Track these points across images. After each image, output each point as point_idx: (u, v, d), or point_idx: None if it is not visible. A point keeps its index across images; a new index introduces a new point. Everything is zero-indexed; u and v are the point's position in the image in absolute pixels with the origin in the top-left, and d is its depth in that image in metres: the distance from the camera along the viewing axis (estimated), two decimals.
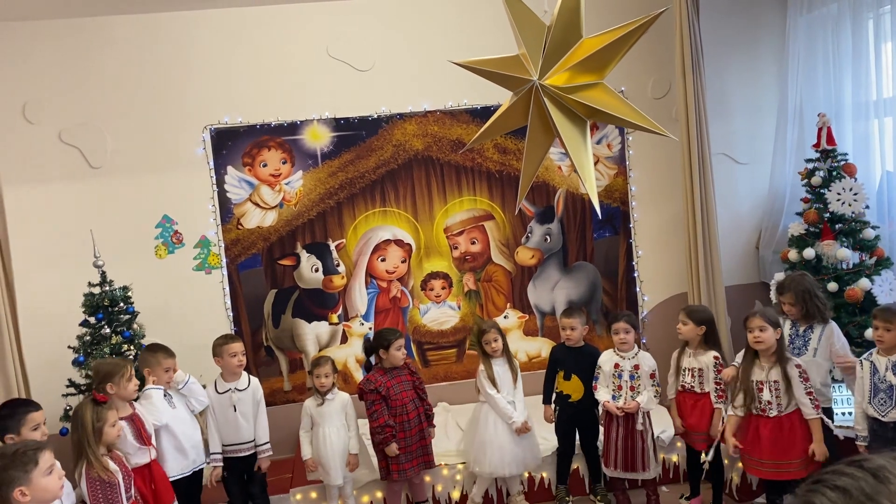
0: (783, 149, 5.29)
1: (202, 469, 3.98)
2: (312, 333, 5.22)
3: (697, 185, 4.86)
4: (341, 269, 5.22)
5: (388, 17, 5.09)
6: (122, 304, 4.33)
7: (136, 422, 3.57)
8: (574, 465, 4.44)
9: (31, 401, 3.28)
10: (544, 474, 4.42)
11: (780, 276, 4.69)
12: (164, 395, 3.82)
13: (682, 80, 4.82)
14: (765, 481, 3.75)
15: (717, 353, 3.98)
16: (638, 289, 5.48)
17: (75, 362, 4.22)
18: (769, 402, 3.50)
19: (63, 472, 2.73)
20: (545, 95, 2.47)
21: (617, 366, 4.11)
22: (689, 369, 3.99)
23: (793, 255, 4.71)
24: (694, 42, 4.75)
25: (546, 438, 4.43)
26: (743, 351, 3.76)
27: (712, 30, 5.04)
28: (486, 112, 5.17)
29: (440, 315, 5.37)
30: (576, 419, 4.30)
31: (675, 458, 4.45)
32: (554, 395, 4.38)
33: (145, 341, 4.26)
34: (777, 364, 3.49)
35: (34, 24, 4.71)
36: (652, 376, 4.07)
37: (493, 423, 4.20)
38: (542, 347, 5.39)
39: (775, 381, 3.48)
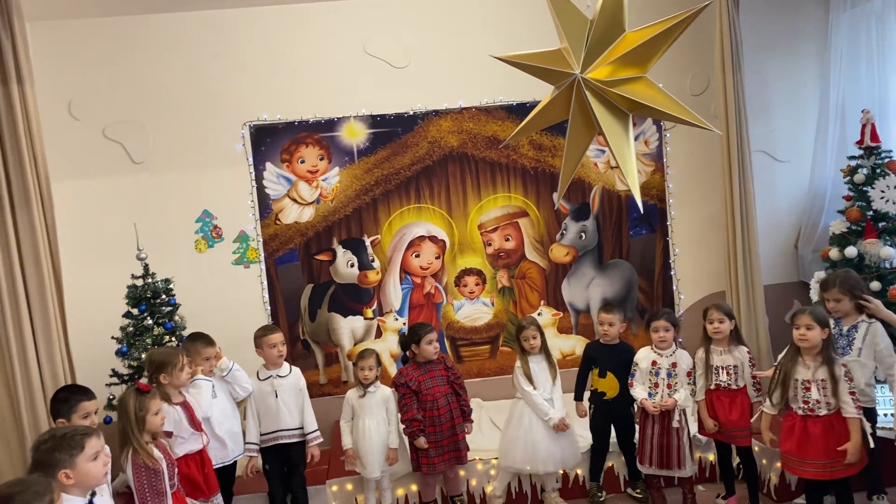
0: (824, 146, 5.23)
1: (236, 461, 4.03)
2: (348, 328, 5.27)
3: (736, 183, 4.81)
4: (376, 264, 5.27)
5: (425, 15, 5.12)
6: (163, 296, 4.40)
7: (188, 408, 3.65)
8: (609, 463, 4.42)
9: (87, 389, 3.34)
10: (579, 471, 4.41)
11: (820, 274, 4.62)
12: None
13: (722, 76, 4.77)
14: (805, 482, 3.69)
15: (748, 349, 3.98)
16: (675, 287, 5.44)
17: (118, 352, 4.30)
18: (818, 402, 3.43)
19: (109, 458, 2.80)
20: (587, 89, 2.47)
21: (654, 363, 4.08)
22: (722, 367, 3.96)
23: (834, 253, 4.64)
24: (734, 37, 4.71)
25: (582, 436, 4.42)
26: (785, 350, 3.71)
27: (753, 25, 5.00)
28: (521, 109, 5.17)
29: (474, 311, 5.39)
30: (611, 417, 4.28)
31: (711, 458, 4.41)
32: (588, 393, 4.38)
33: (186, 333, 4.33)
34: (824, 363, 3.43)
35: (80, 23, 4.82)
36: (688, 374, 4.05)
37: (528, 420, 4.19)
38: (576, 345, 5.37)
39: (823, 380, 3.42)
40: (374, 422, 4.09)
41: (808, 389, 3.45)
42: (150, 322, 4.31)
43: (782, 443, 3.58)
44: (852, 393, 3.39)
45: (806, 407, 3.46)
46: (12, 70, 3.99)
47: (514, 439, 4.21)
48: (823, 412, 3.43)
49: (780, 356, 3.78)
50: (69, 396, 3.26)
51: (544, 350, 4.30)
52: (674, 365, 4.06)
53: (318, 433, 4.10)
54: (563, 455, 4.22)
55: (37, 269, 4.08)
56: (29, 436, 3.97)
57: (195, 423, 3.63)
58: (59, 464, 2.55)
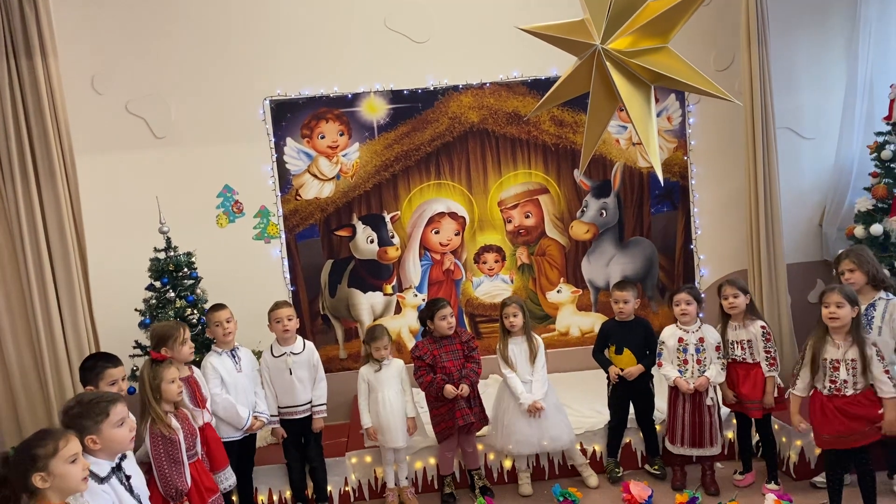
0: (851, 123, 5.13)
1: (255, 435, 4.06)
2: (367, 303, 5.30)
3: (760, 161, 4.75)
4: (396, 240, 5.28)
5: None
6: (185, 270, 4.45)
7: (191, 384, 3.64)
8: (626, 439, 4.42)
9: (113, 356, 3.37)
10: (597, 447, 4.41)
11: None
12: (232, 357, 3.93)
13: (747, 51, 4.69)
14: (826, 461, 3.66)
15: (763, 323, 3.97)
16: (696, 265, 5.40)
17: (141, 325, 4.37)
18: (845, 381, 3.39)
19: (135, 425, 2.85)
20: (608, 60, 2.44)
21: (681, 340, 4.07)
22: (737, 342, 3.99)
23: (859, 231, 4.58)
24: (760, 10, 4.61)
25: (599, 412, 4.42)
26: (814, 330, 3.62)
27: None
28: (542, 84, 5.12)
29: (493, 288, 5.39)
30: (630, 393, 4.28)
31: (730, 435, 4.40)
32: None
33: (207, 306, 4.37)
34: (854, 343, 3.37)
35: None
36: (717, 349, 4.03)
37: (506, 402, 4.22)
38: (595, 323, 5.35)
39: (853, 360, 3.37)
40: (393, 392, 4.14)
41: (836, 369, 3.40)
42: (173, 295, 4.36)
43: (810, 419, 3.55)
44: (886, 371, 3.34)
45: (833, 387, 3.41)
46: (36, 44, 4.03)
47: (493, 420, 4.26)
48: (850, 392, 3.38)
49: (808, 338, 3.65)
50: (95, 364, 3.30)
51: (526, 330, 4.26)
52: (701, 340, 4.04)
53: (324, 408, 4.14)
54: (540, 438, 4.16)
55: (61, 241, 4.13)
56: (55, 404, 4.05)
57: (197, 400, 3.62)
58: (86, 430, 2.61)
